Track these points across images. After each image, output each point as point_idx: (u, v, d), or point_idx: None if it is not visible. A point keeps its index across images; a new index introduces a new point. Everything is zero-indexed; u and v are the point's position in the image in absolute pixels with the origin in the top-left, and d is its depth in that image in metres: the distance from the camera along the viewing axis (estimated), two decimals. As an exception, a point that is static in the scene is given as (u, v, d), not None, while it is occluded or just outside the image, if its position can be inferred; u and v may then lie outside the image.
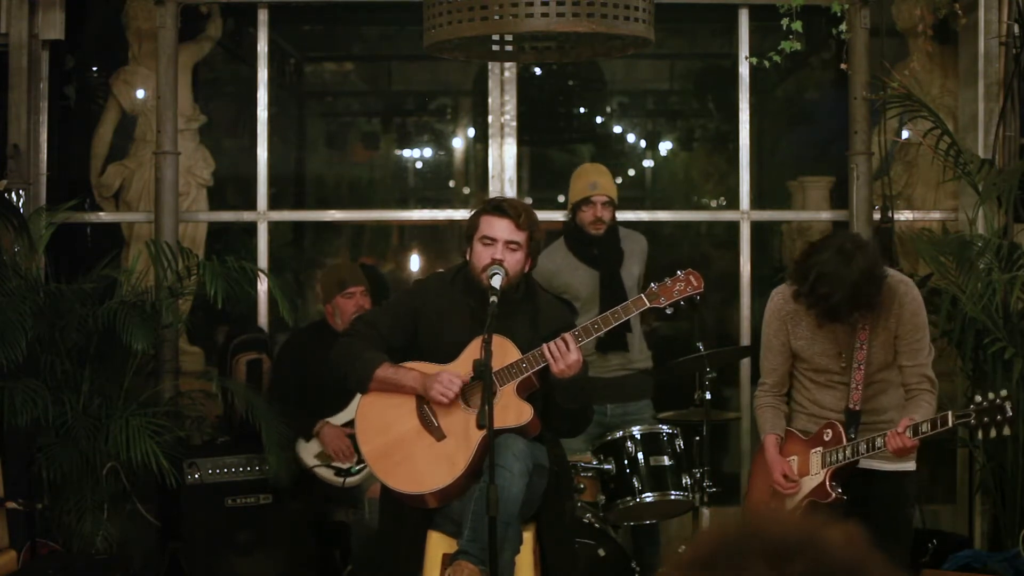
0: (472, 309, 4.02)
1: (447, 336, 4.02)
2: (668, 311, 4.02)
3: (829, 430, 4.19)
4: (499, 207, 4.02)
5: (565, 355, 3.83)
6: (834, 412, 4.23)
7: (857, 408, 4.16)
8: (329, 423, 5.28)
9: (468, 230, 4.06)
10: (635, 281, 5.36)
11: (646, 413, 5.40)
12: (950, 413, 3.99)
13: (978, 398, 4.00)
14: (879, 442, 4.06)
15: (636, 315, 5.38)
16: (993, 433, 3.98)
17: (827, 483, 4.16)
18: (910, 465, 4.24)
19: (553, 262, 5.43)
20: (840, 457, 4.14)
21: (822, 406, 4.26)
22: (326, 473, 5.28)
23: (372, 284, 5.69)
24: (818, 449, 4.21)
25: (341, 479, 5.24)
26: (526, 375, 3.89)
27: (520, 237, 3.97)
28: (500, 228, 3.97)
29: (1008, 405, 3.90)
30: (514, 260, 3.97)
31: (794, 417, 4.35)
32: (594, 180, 5.41)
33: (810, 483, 4.21)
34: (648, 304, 3.97)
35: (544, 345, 3.87)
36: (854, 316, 4.03)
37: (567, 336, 3.86)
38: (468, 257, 4.06)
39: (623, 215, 6.33)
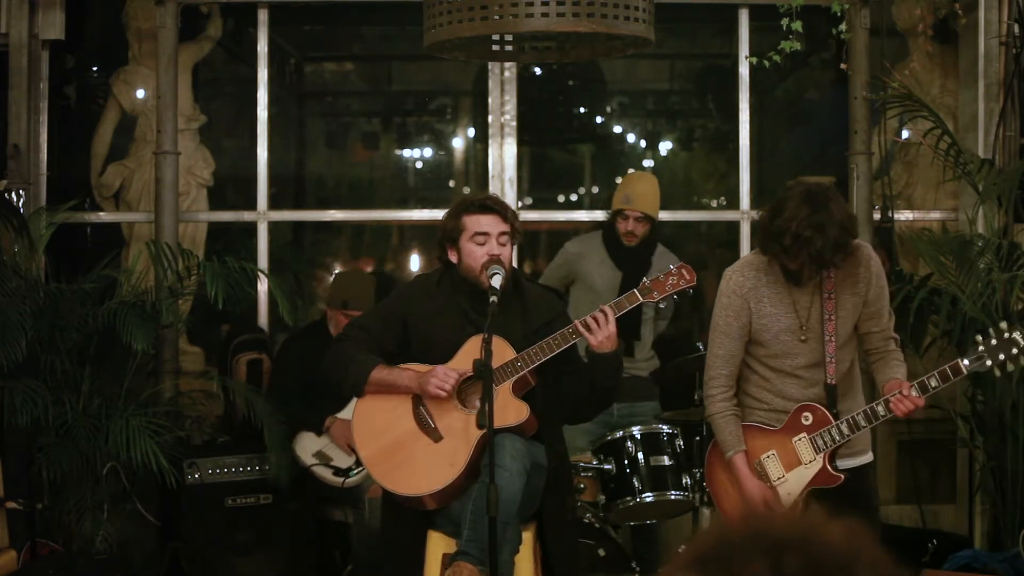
0: (462, 309, 4.03)
1: (438, 338, 4.02)
2: (661, 305, 4.04)
3: (808, 413, 3.97)
4: (483, 204, 4.04)
5: (603, 327, 3.87)
6: (798, 403, 4.01)
7: (834, 382, 3.97)
8: (339, 418, 5.29)
9: (450, 232, 4.04)
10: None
11: (652, 414, 5.42)
12: (960, 361, 3.83)
13: (979, 338, 3.85)
14: (881, 410, 3.88)
15: (648, 321, 5.47)
16: (1010, 367, 3.84)
17: (827, 467, 3.97)
18: (868, 457, 4.12)
19: (584, 245, 5.52)
20: (836, 437, 3.94)
21: (787, 398, 4.02)
22: (324, 472, 5.27)
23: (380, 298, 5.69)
24: (801, 436, 3.98)
25: (340, 479, 5.24)
26: (521, 373, 3.90)
27: (508, 229, 4.01)
28: (489, 223, 4.00)
29: (1018, 335, 3.78)
30: (507, 253, 4.01)
31: (747, 413, 4.09)
32: (628, 193, 5.41)
33: (805, 473, 4.00)
34: (641, 299, 3.98)
35: (577, 321, 3.90)
36: (836, 260, 3.80)
37: (606, 308, 3.90)
38: (455, 260, 4.05)
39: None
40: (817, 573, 1.18)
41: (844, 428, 3.95)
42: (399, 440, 3.99)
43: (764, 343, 4.00)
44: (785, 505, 4.01)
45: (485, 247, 3.97)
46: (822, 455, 3.97)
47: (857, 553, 1.20)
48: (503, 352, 3.89)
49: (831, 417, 3.96)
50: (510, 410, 3.88)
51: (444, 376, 3.91)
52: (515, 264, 4.14)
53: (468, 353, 3.91)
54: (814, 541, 1.20)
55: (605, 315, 3.90)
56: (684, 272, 4.01)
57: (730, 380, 4.05)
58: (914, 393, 3.84)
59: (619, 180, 5.60)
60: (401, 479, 3.95)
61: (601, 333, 3.88)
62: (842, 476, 3.98)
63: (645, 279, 4.03)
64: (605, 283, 5.41)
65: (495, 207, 4.02)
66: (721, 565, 1.20)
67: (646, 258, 5.44)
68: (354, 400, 4.14)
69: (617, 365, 4.02)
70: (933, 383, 3.84)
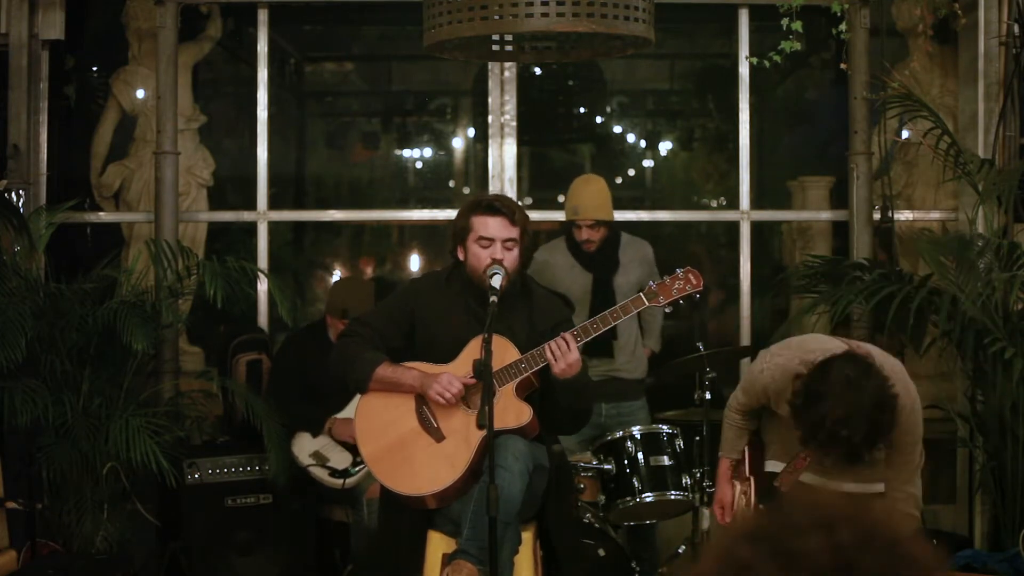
0: (469, 308, 4.02)
1: (444, 336, 4.01)
2: (667, 310, 4.02)
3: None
4: (491, 206, 4.00)
5: (566, 354, 3.81)
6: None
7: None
8: (339, 418, 5.28)
9: (459, 232, 4.03)
10: (632, 288, 5.34)
11: (640, 414, 5.42)
12: None
13: None
14: None
15: (630, 322, 5.45)
16: None
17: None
18: (879, 487, 3.88)
19: (552, 255, 5.53)
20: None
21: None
22: (320, 473, 5.27)
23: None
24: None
25: (340, 480, 5.23)
26: (525, 375, 3.89)
27: (515, 233, 3.98)
28: (496, 227, 3.96)
29: None
30: (512, 258, 3.97)
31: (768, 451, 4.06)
32: (576, 204, 5.42)
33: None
34: (647, 303, 3.96)
35: (545, 344, 3.86)
36: (873, 453, 3.59)
37: (567, 335, 3.84)
38: (461, 259, 4.03)
39: (624, 215, 6.32)
40: (870, 545, 1.23)
41: None
42: (401, 439, 3.98)
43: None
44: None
45: (488, 251, 3.95)
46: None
47: (899, 530, 1.26)
48: (507, 353, 3.88)
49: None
50: (511, 411, 3.88)
51: (448, 383, 3.89)
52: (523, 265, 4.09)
53: (471, 353, 3.90)
54: (863, 516, 1.26)
55: (567, 343, 3.82)
56: (691, 277, 3.99)
57: (749, 412, 4.02)
58: None
59: (573, 185, 5.58)
60: (402, 478, 3.95)
61: (563, 360, 3.81)
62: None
63: (651, 283, 4.01)
64: (578, 288, 5.41)
65: (503, 209, 3.98)
66: (775, 543, 1.24)
67: (612, 255, 5.46)
68: (355, 400, 4.14)
69: (579, 389, 3.91)
70: None
